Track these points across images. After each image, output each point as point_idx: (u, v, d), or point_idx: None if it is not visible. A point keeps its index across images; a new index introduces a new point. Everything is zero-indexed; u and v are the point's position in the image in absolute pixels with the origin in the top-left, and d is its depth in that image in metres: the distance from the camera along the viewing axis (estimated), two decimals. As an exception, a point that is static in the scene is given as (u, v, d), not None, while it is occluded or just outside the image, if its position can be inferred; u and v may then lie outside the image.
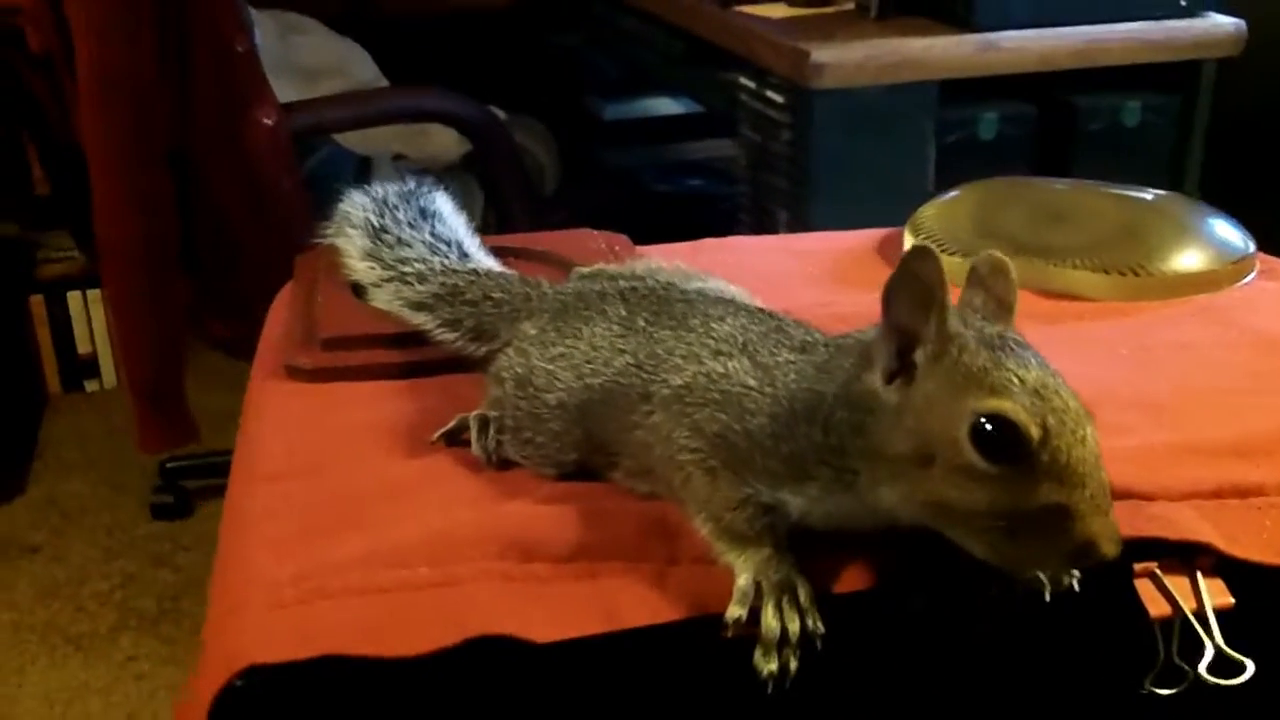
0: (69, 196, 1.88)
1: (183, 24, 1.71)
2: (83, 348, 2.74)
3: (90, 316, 2.72)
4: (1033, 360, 0.64)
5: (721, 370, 0.72)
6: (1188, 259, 1.05)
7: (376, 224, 0.95)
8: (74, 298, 2.69)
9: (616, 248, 1.11)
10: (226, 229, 1.83)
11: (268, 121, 1.81)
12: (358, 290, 0.97)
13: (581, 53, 2.81)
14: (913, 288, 0.63)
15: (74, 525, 2.31)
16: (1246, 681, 0.67)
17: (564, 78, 2.84)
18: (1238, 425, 0.81)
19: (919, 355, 0.64)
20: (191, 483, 2.35)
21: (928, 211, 1.16)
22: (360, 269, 0.95)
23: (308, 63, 2.32)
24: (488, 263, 0.97)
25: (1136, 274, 1.03)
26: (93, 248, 1.84)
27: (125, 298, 1.72)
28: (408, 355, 0.95)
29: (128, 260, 1.69)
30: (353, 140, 2.13)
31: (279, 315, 1.06)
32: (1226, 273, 1.05)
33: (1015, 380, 0.62)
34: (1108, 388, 0.86)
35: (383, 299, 0.94)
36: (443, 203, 1.00)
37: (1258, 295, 1.05)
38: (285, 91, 1.90)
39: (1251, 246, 1.09)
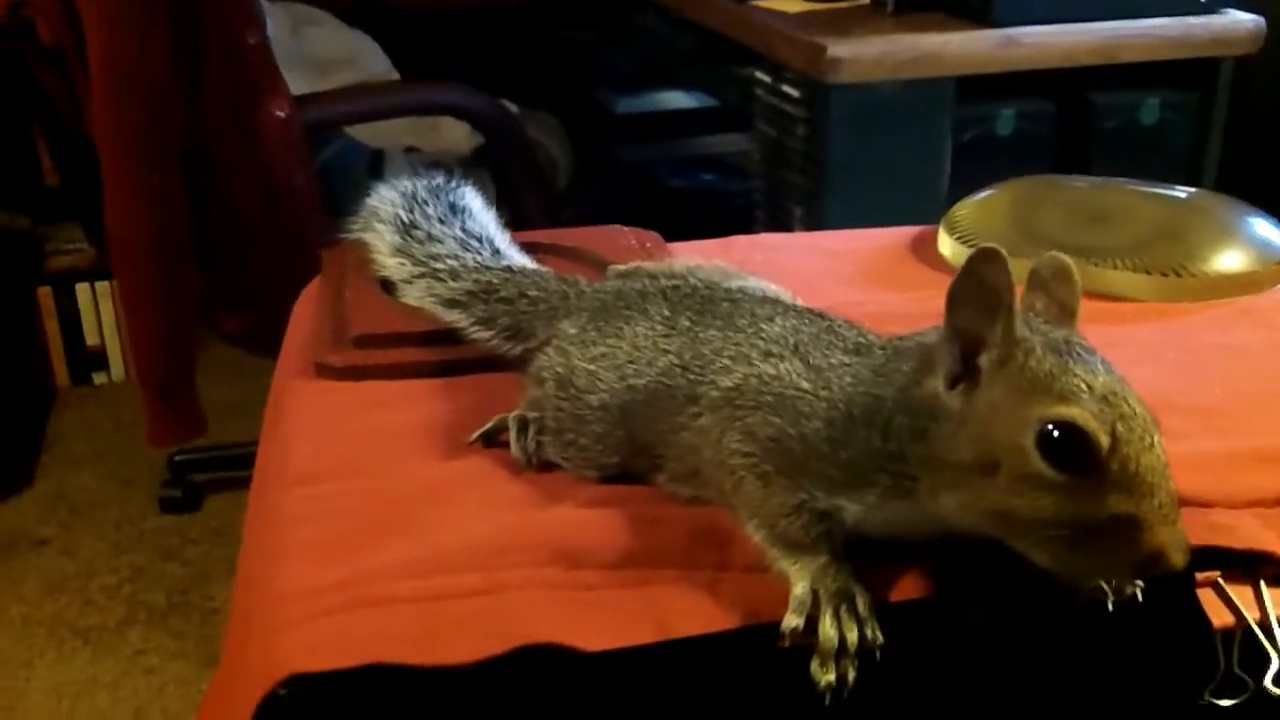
0: (79, 189, 1.87)
1: (195, 17, 1.70)
2: (91, 340, 2.73)
3: (99, 309, 2.70)
4: (1100, 366, 0.63)
5: (773, 372, 0.70)
6: (1229, 259, 1.04)
7: (406, 219, 0.93)
8: (83, 290, 2.68)
9: (648, 244, 1.10)
10: (239, 222, 1.82)
11: (280, 114, 1.80)
12: (387, 287, 0.95)
13: (594, 47, 2.80)
14: (979, 291, 0.62)
15: (82, 519, 2.30)
16: None
17: (577, 72, 2.83)
18: None
19: (984, 360, 0.63)
20: (200, 476, 2.35)
21: (963, 210, 1.14)
22: (390, 265, 0.93)
23: (320, 55, 2.31)
24: (520, 259, 0.96)
25: (1179, 275, 1.02)
26: (102, 240, 1.83)
27: (137, 292, 1.72)
28: (441, 354, 0.93)
29: (139, 255, 1.68)
30: (365, 133, 2.12)
31: (306, 311, 1.05)
32: (1269, 273, 1.04)
33: (1083, 386, 0.61)
34: (1158, 391, 0.84)
35: (414, 296, 0.92)
36: (472, 198, 0.98)
37: (1301, 298, 1.04)
38: (297, 84, 1.89)
39: None
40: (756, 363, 0.71)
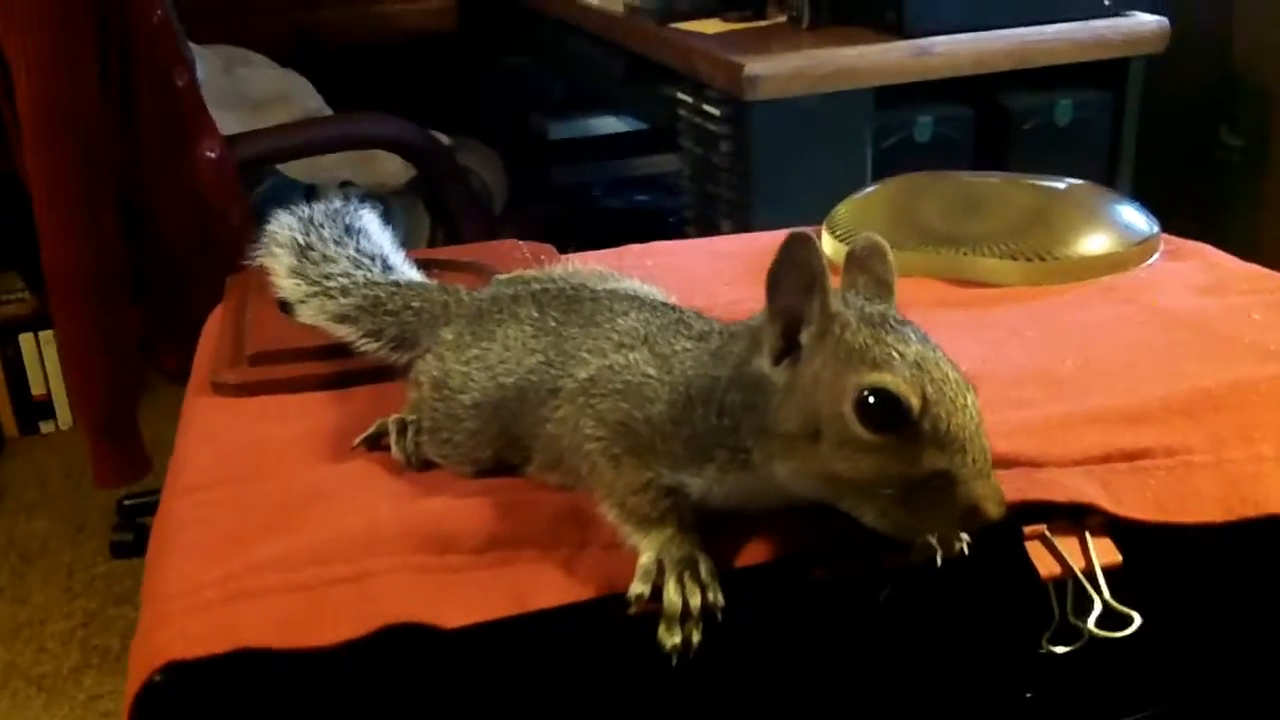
0: (16, 236, 1.88)
1: (124, 59, 1.71)
2: (36, 390, 2.72)
3: (44, 358, 2.70)
4: (912, 335, 0.66)
5: (624, 361, 0.74)
6: (1093, 242, 1.08)
7: (302, 242, 0.97)
8: (26, 340, 2.68)
9: (541, 256, 1.13)
10: (175, 261, 1.83)
11: (211, 154, 1.82)
12: (285, 307, 0.99)
13: (527, 74, 2.83)
14: (794, 272, 0.66)
15: (33, 566, 2.29)
16: (1137, 635, 0.69)
17: (510, 99, 2.86)
18: (1132, 396, 0.83)
19: (804, 336, 0.67)
20: (150, 519, 2.33)
21: (843, 209, 1.18)
22: (287, 286, 0.97)
23: (252, 95, 2.33)
24: (411, 274, 0.99)
25: (1043, 259, 1.06)
26: (43, 288, 1.84)
27: (74, 331, 1.72)
28: (333, 367, 0.96)
29: (75, 293, 1.69)
30: (299, 169, 2.14)
31: (210, 334, 1.09)
32: (1131, 254, 1.08)
33: (895, 354, 0.65)
34: (1012, 366, 0.89)
35: (308, 314, 0.96)
36: (369, 220, 1.02)
37: (1161, 274, 1.08)
38: (231, 124, 1.91)
39: (1155, 228, 1.12)
40: (609, 354, 0.75)
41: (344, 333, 0.94)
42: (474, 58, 2.90)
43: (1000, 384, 0.85)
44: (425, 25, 2.89)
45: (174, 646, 0.65)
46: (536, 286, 0.86)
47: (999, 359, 0.90)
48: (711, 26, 1.94)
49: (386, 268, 0.98)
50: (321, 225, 0.98)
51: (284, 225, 0.98)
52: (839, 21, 1.90)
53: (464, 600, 0.67)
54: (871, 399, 0.64)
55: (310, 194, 2.08)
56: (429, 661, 0.67)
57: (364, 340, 0.94)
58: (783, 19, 1.95)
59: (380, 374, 0.94)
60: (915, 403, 0.64)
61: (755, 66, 1.72)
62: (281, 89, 2.37)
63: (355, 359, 0.95)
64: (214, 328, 1.09)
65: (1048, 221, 1.09)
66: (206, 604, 0.68)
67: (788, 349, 0.68)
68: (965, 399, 0.65)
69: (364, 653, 0.65)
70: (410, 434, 0.84)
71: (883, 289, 0.71)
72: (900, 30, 1.80)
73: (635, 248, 1.24)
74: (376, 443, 0.86)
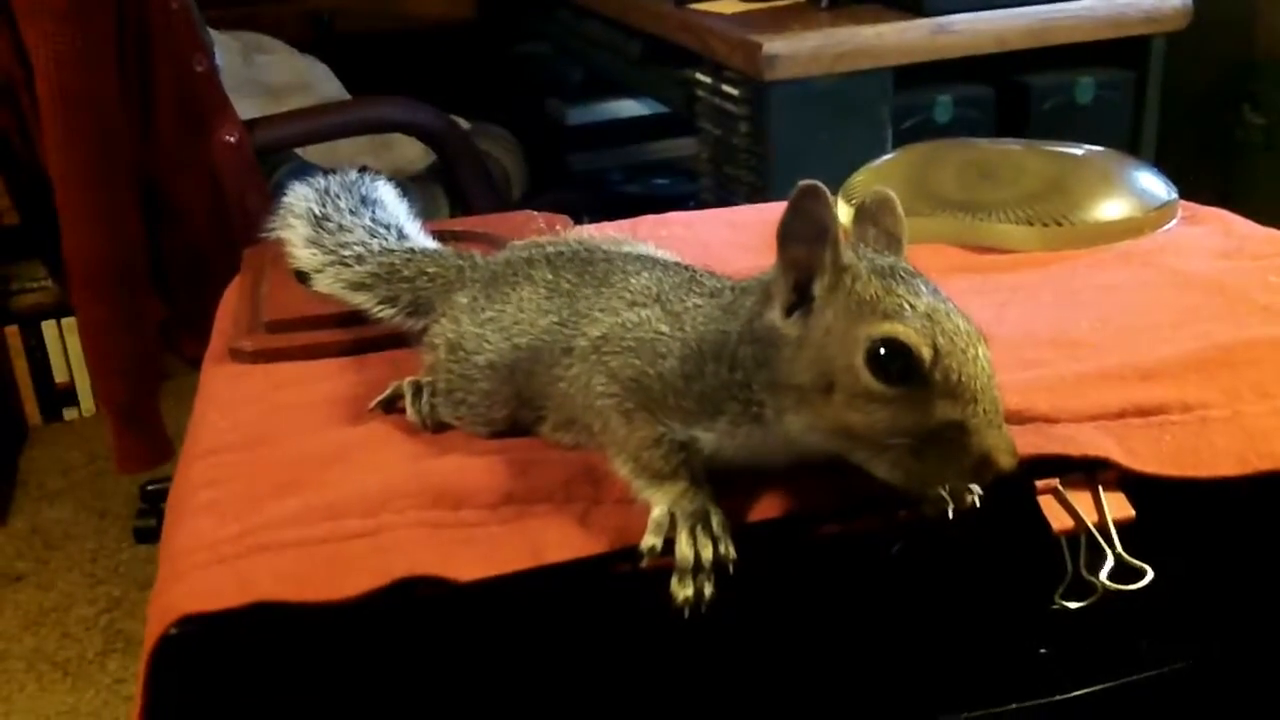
0: (39, 225, 1.89)
1: (143, 47, 1.72)
2: (60, 377, 2.74)
3: (66, 346, 2.72)
4: (923, 287, 0.66)
5: (635, 319, 0.74)
6: (1110, 208, 1.07)
7: (319, 212, 0.97)
8: (49, 327, 2.70)
9: (557, 226, 1.13)
10: (194, 246, 1.83)
11: (230, 139, 1.83)
12: (301, 277, 0.99)
13: (544, 60, 2.83)
14: (805, 223, 0.66)
15: (58, 553, 2.31)
16: (1151, 591, 0.69)
17: (527, 85, 2.86)
18: (1148, 355, 0.83)
19: (816, 288, 0.67)
20: (174, 505, 2.36)
21: (859, 177, 1.18)
22: (303, 256, 0.97)
23: (272, 81, 2.33)
24: (426, 243, 1.00)
25: (1060, 224, 1.06)
26: (63, 276, 1.85)
27: (96, 319, 1.73)
28: (349, 334, 0.97)
29: (97, 281, 1.70)
30: (318, 155, 2.14)
31: (228, 305, 1.09)
32: (1149, 220, 1.08)
33: (907, 305, 0.65)
34: (1028, 329, 0.89)
35: (324, 283, 0.96)
36: (384, 190, 1.02)
37: (1179, 239, 1.07)
38: (250, 110, 1.92)
39: (1173, 194, 1.11)
40: (622, 312, 0.76)
41: (360, 300, 0.95)
42: (491, 44, 2.90)
43: (1014, 344, 0.85)
44: (443, 12, 2.90)
45: (189, 600, 0.65)
46: (551, 249, 0.87)
47: (1013, 321, 0.90)
48: (729, 7, 1.94)
49: (402, 236, 0.99)
50: (337, 196, 0.99)
51: (300, 196, 0.99)
52: (857, 0, 1.89)
53: (478, 554, 0.67)
54: (883, 350, 0.64)
55: (329, 179, 2.09)
56: (443, 615, 0.67)
57: (380, 307, 0.94)
58: (800, -1, 1.95)
59: (396, 340, 0.95)
60: (926, 353, 0.64)
61: (773, 46, 1.71)
62: (300, 76, 2.38)
63: (371, 326, 0.96)
64: (231, 298, 1.10)
65: (1064, 187, 1.09)
66: (221, 559, 0.68)
67: (799, 301, 0.68)
68: (977, 350, 0.65)
69: (378, 606, 0.65)
70: (425, 396, 0.85)
71: (893, 242, 0.71)
72: (919, 9, 1.79)
73: (650, 218, 1.24)
74: (392, 406, 0.87)
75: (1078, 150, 1.17)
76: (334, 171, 1.03)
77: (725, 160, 1.88)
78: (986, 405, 0.64)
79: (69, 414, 2.77)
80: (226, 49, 2.16)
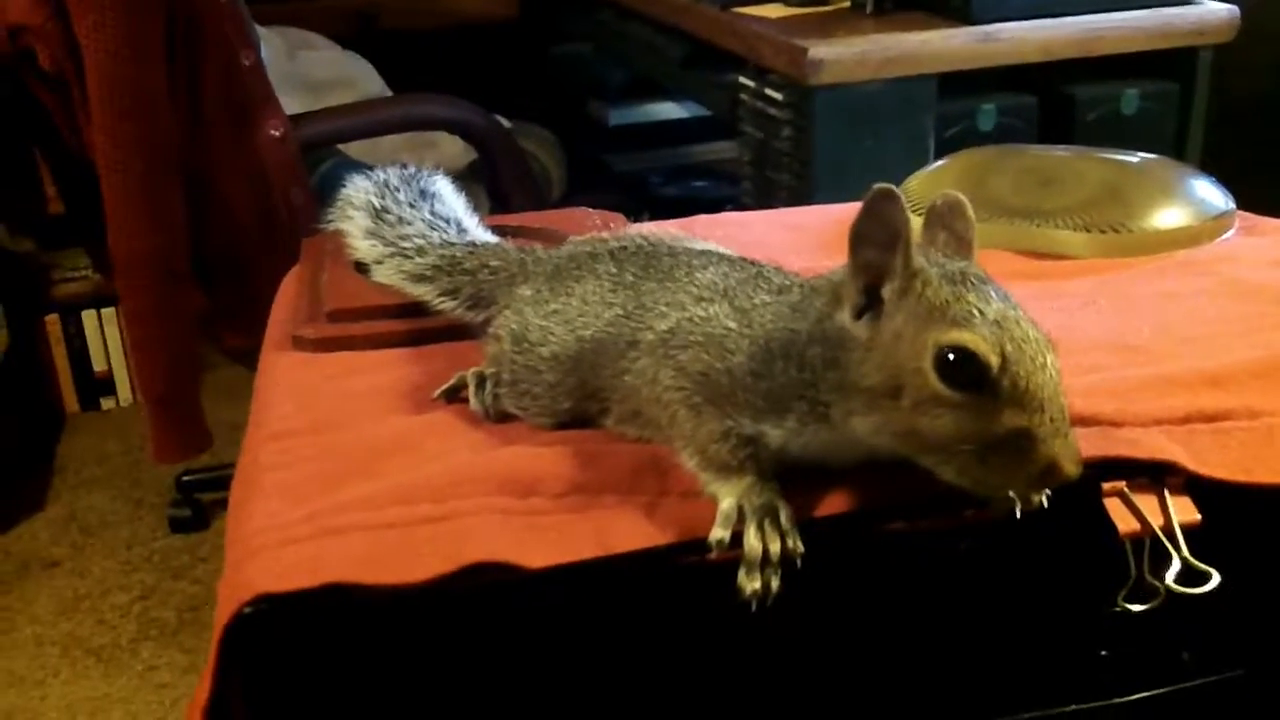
0: (83, 215, 1.91)
1: (192, 41, 1.74)
2: (99, 366, 2.77)
3: (105, 335, 2.74)
4: (993, 293, 0.67)
5: (703, 314, 0.75)
6: (1168, 216, 1.07)
7: (378, 205, 0.98)
8: (89, 317, 2.72)
9: (612, 224, 1.14)
10: (237, 240, 1.85)
11: (275, 134, 1.84)
12: (360, 268, 1.00)
13: (586, 60, 2.84)
14: (878, 227, 0.66)
15: (94, 540, 2.33)
16: (1215, 594, 0.69)
17: (569, 86, 2.87)
18: (1211, 360, 0.83)
19: (886, 291, 0.67)
20: (207, 495, 2.38)
21: (915, 181, 1.18)
22: (363, 247, 0.98)
23: (315, 77, 2.35)
24: (485, 236, 1.00)
25: (1117, 232, 1.06)
26: (106, 265, 1.86)
27: (139, 309, 1.75)
28: (409, 325, 0.99)
29: (141, 272, 1.72)
30: (360, 151, 2.15)
31: (286, 294, 1.11)
32: (1206, 229, 1.08)
33: (976, 312, 0.65)
34: (1086, 334, 0.89)
35: (384, 274, 0.97)
36: (442, 185, 1.03)
37: (1237, 248, 1.07)
38: (293, 105, 1.93)
39: (1231, 204, 1.11)
40: (689, 307, 0.76)
41: (421, 292, 0.96)
42: (534, 43, 2.90)
43: (1074, 350, 0.85)
44: (486, 11, 2.91)
45: (263, 579, 0.66)
46: (614, 244, 0.87)
47: (1072, 326, 0.90)
48: (774, 11, 1.94)
49: (461, 230, 1.00)
50: (396, 189, 1.00)
51: (359, 189, 1.00)
52: (903, 7, 1.89)
53: (547, 542, 0.68)
54: (951, 356, 0.64)
55: (371, 175, 2.10)
56: (510, 599, 0.68)
57: (441, 299, 0.95)
58: (846, 4, 1.95)
59: (455, 332, 0.96)
60: (994, 361, 0.64)
61: (819, 51, 1.71)
62: (344, 72, 2.39)
63: (430, 317, 0.97)
64: (290, 287, 1.12)
65: (1122, 195, 1.09)
66: (294, 540, 0.69)
67: (869, 304, 0.68)
68: (1045, 358, 0.65)
69: (447, 588, 0.66)
70: (489, 387, 0.85)
71: (963, 246, 0.71)
72: (966, 16, 1.79)
73: (704, 218, 1.24)
74: (455, 395, 0.88)
75: (1135, 158, 1.17)
76: (396, 165, 1.03)
77: (767, 164, 1.88)
78: (1054, 413, 0.64)
79: (106, 403, 2.80)
80: (271, 44, 2.17)
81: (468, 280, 0.94)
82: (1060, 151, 1.21)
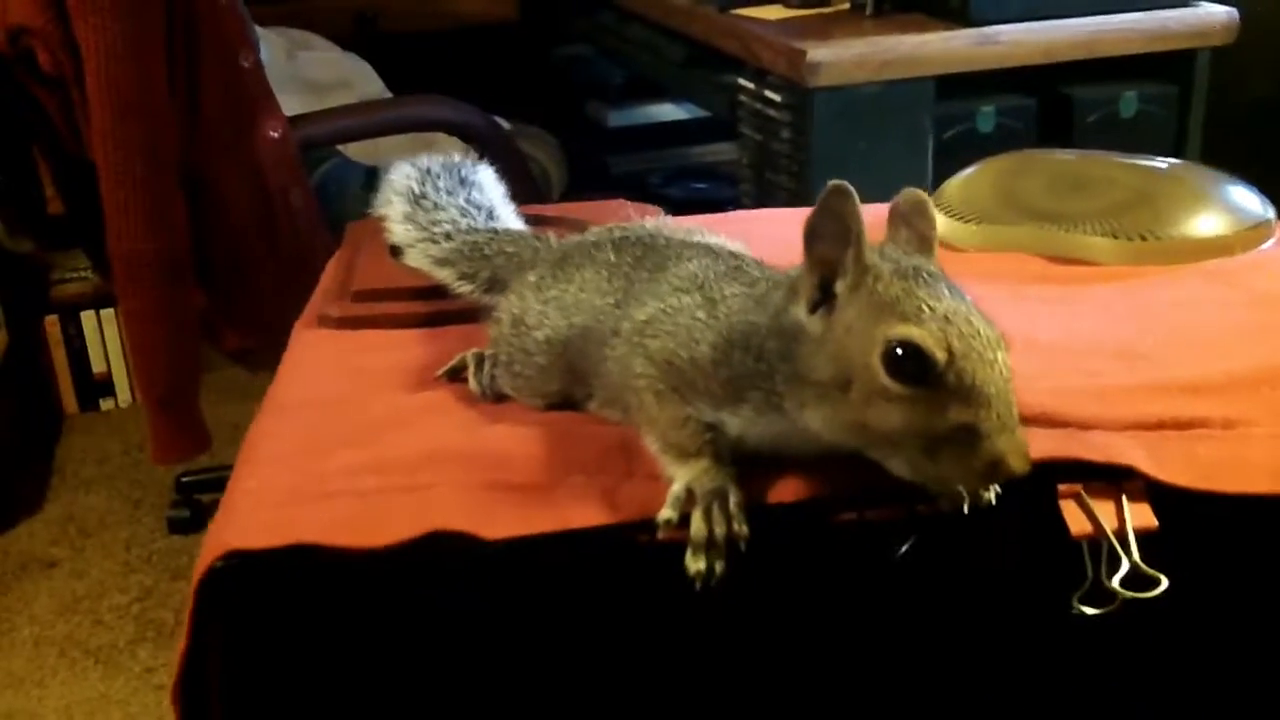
0: (83, 216, 1.91)
1: (191, 42, 1.74)
2: (98, 367, 2.77)
3: (104, 336, 2.75)
4: (945, 289, 0.67)
5: (677, 304, 0.77)
6: (1199, 224, 1.06)
7: (418, 191, 1.02)
8: (88, 318, 2.72)
9: (648, 216, 1.15)
10: (237, 240, 1.85)
11: (274, 134, 1.84)
12: (396, 252, 1.03)
13: (586, 62, 2.84)
14: (831, 223, 0.67)
15: (92, 541, 2.33)
16: (1171, 603, 0.69)
17: (568, 86, 2.87)
18: (1198, 370, 0.83)
19: (839, 286, 0.68)
20: (207, 496, 2.37)
21: (951, 186, 1.18)
22: (398, 231, 1.01)
23: (315, 78, 2.35)
24: (514, 224, 1.04)
25: (1145, 239, 1.05)
26: (105, 266, 1.87)
27: (139, 310, 1.75)
28: (429, 306, 1.02)
29: (140, 272, 1.72)
30: (360, 151, 2.15)
31: (326, 275, 1.15)
32: (1240, 238, 1.06)
33: (925, 308, 0.66)
34: (1093, 340, 0.89)
35: (415, 258, 1.00)
36: (484, 174, 1.06)
37: (1271, 260, 1.06)
38: (293, 106, 1.93)
39: (1270, 213, 1.09)
40: (666, 297, 0.78)
41: (443, 275, 0.99)
42: (533, 45, 2.91)
43: (1079, 354, 0.86)
44: (485, 12, 2.91)
45: (236, 538, 0.70)
46: (618, 234, 0.90)
47: (1083, 332, 0.91)
48: (774, 13, 1.94)
49: (491, 217, 1.02)
50: (437, 176, 1.03)
51: (402, 174, 1.03)
52: (902, 9, 1.89)
53: (508, 515, 0.70)
54: (899, 351, 0.65)
55: (371, 176, 2.10)
56: (468, 566, 0.70)
57: (460, 282, 0.98)
58: (845, 6, 1.95)
59: (471, 315, 0.99)
60: (941, 356, 0.65)
61: (818, 53, 1.71)
62: (343, 73, 2.40)
63: (450, 300, 1.00)
64: (331, 269, 1.16)
65: (1152, 201, 1.08)
66: (272, 504, 0.73)
67: (823, 299, 0.69)
68: (994, 354, 0.66)
69: (408, 552, 0.68)
70: (487, 367, 0.88)
71: (924, 244, 0.72)
72: (965, 18, 1.79)
73: (738, 213, 1.28)
74: (457, 375, 0.91)
75: (1164, 163, 1.16)
76: (376, 175, 1.06)
77: (766, 166, 1.88)
78: (1000, 409, 0.65)
79: (105, 404, 2.80)
80: (270, 45, 2.17)
81: (485, 265, 0.97)
82: (1090, 156, 1.21)
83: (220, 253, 1.86)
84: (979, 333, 0.66)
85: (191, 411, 1.83)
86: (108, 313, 2.71)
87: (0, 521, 2.38)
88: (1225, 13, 1.89)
